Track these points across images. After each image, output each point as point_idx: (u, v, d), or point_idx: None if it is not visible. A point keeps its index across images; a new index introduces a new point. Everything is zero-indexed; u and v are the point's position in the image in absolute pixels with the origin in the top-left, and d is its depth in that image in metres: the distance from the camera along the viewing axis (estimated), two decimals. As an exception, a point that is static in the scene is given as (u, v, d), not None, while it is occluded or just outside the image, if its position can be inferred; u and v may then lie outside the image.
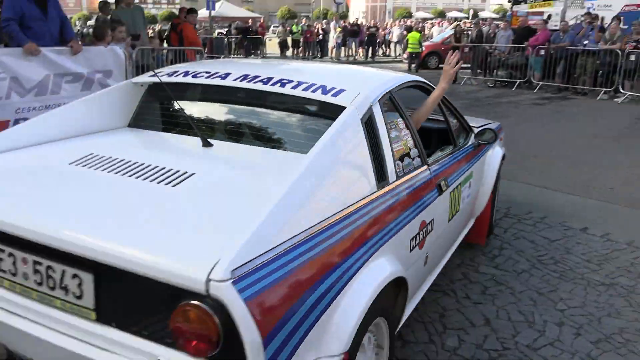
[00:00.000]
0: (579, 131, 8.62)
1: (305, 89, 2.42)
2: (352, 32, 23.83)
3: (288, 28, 24.20)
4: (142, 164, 2.09)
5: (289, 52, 24.03)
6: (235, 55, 23.68)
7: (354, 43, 24.01)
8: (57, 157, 2.29)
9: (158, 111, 2.92)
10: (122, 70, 6.43)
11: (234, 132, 2.61)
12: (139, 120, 2.83)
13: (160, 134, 2.69)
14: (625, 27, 12.47)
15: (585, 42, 12.57)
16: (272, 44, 25.23)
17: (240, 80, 2.58)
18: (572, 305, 3.16)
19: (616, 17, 12.87)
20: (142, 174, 2.01)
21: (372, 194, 2.10)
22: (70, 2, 63.80)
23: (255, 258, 1.44)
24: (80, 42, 6.07)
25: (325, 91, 2.39)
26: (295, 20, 26.39)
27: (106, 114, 2.78)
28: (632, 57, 11.39)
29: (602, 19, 13.75)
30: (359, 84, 2.51)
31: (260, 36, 23.50)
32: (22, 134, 2.45)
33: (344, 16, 42.08)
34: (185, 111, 2.61)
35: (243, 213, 1.65)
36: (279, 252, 1.52)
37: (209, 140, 2.37)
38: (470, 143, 3.42)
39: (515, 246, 3.99)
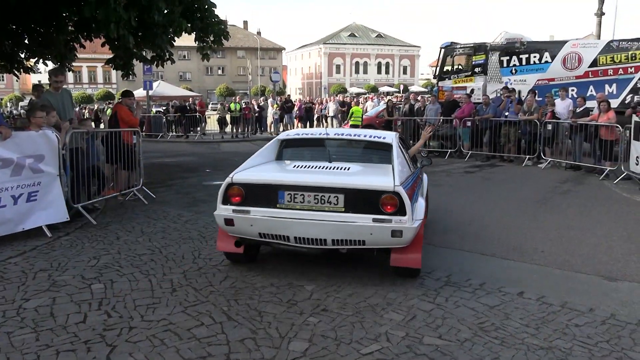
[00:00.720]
0: (508, 196, 9.10)
1: (369, 137, 5.80)
2: (288, 108, 24.57)
3: (227, 106, 24.55)
4: (322, 166, 4.98)
5: (227, 129, 24.23)
6: (174, 133, 23.71)
7: (289, 118, 24.69)
8: (282, 167, 5.26)
9: (291, 150, 5.77)
10: (55, 154, 6.29)
11: (339, 157, 5.38)
12: (280, 157, 5.69)
13: (300, 161, 5.31)
14: (540, 99, 13.59)
15: (507, 113, 13.55)
16: (211, 121, 25.46)
17: (338, 135, 5.98)
18: (515, 372, 3.21)
19: (531, 90, 14.04)
20: (330, 168, 4.91)
21: (412, 173, 5.39)
22: (1, 84, 62.44)
23: (401, 181, 4.47)
24: (12, 126, 5.92)
25: (377, 137, 5.76)
26: (233, 98, 26.85)
27: (268, 154, 5.65)
28: (549, 126, 12.35)
29: (519, 92, 14.91)
30: (387, 135, 5.88)
31: (200, 114, 23.73)
32: (251, 161, 5.31)
33: (280, 92, 43.45)
34: (313, 148, 5.76)
35: (388, 174, 4.67)
36: (403, 182, 4.54)
37: (330, 160, 5.25)
38: (419, 166, 6.37)
39: (456, 315, 4.05)
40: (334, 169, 4.89)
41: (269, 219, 4.50)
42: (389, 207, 4.34)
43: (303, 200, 4.45)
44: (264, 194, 4.56)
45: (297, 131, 6.58)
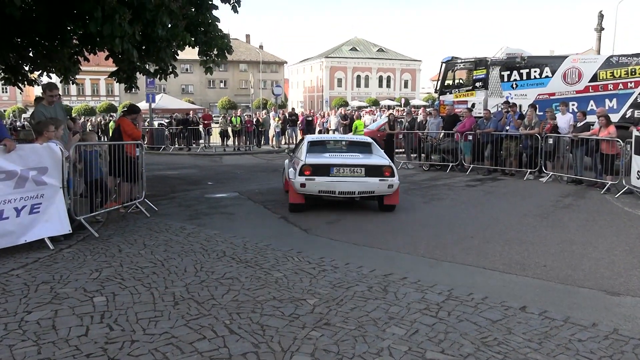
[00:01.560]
0: (510, 210, 9.10)
1: (358, 139, 11.16)
2: (291, 121, 24.67)
3: (229, 118, 24.63)
4: (344, 155, 9.19)
5: (229, 142, 24.26)
6: (177, 146, 23.77)
7: (292, 131, 24.77)
8: (326, 155, 9.04)
9: (315, 147, 9.47)
10: (58, 166, 6.32)
11: (345, 150, 9.64)
12: (309, 151, 9.11)
13: (326, 152, 9.33)
14: (541, 113, 13.63)
15: (507, 127, 13.58)
16: (213, 134, 25.49)
17: (342, 138, 11.23)
18: (518, 387, 3.19)
19: (531, 105, 14.08)
20: (350, 156, 9.05)
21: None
22: (5, 96, 62.77)
23: (389, 162, 8.94)
24: (14, 138, 5.95)
25: (363, 139, 10.83)
26: (234, 112, 26.96)
27: (305, 149, 9.19)
28: (550, 140, 12.38)
29: (520, 106, 14.97)
30: (367, 138, 11.25)
31: (203, 127, 23.88)
32: (302, 154, 9.02)
33: (282, 106, 43.63)
34: (327, 146, 9.98)
35: (382, 157, 9.24)
36: (390, 161, 9.18)
37: (344, 150, 9.70)
38: None
39: (459, 329, 4.04)
40: (353, 156, 8.98)
41: (325, 182, 8.39)
42: (387, 173, 8.49)
43: (343, 172, 8.46)
44: (323, 169, 8.44)
45: (318, 136, 12.89)
